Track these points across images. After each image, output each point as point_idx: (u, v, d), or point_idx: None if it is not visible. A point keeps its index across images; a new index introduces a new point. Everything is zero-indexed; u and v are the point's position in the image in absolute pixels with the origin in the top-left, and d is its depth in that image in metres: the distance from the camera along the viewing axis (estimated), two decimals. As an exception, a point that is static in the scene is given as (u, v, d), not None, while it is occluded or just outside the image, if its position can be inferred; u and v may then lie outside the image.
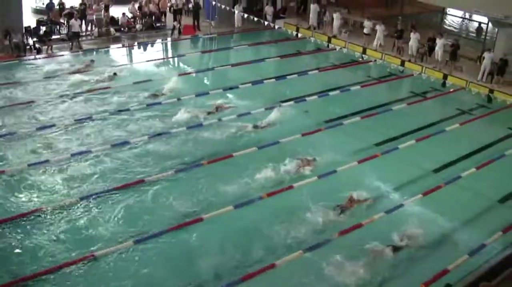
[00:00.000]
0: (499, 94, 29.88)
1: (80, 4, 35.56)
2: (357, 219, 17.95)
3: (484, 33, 38.97)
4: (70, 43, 33.27)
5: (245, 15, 38.09)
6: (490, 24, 34.45)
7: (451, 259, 16.33)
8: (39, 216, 17.21)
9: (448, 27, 42.21)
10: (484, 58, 31.52)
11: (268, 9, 40.90)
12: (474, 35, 40.77)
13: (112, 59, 32.83)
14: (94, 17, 35.43)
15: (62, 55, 32.12)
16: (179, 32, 37.78)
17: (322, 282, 15.24)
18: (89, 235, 16.61)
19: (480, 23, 40.04)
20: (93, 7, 35.55)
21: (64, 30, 34.72)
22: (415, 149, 23.54)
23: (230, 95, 27.87)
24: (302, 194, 19.03)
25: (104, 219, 17.28)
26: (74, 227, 16.89)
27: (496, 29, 33.37)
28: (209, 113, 25.38)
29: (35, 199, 18.11)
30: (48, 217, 17.20)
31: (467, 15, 42.88)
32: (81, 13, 34.91)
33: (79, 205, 17.84)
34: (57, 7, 36.44)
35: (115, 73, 29.17)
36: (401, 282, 15.79)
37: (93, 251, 15.68)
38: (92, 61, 30.87)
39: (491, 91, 30.35)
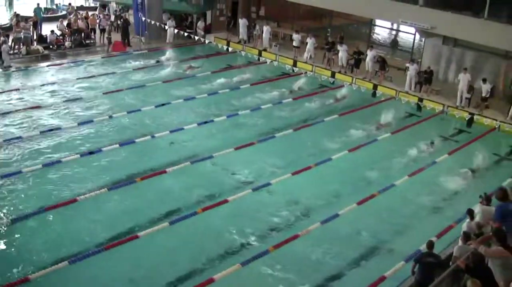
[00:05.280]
0: (428, 103, 30.45)
1: (12, 20, 34.76)
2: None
3: (398, 44, 40.65)
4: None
5: (176, 31, 37.86)
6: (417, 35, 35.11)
7: (388, 266, 16.52)
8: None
9: (377, 39, 42.99)
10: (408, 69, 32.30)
11: (200, 24, 40.87)
12: (403, 45, 41.41)
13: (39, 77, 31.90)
14: (22, 35, 34.60)
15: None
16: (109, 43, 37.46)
17: None
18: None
19: (395, 35, 41.15)
20: (21, 25, 34.66)
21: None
22: (348, 159, 23.77)
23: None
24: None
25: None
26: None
27: (423, 40, 34.06)
28: None
29: None
30: None
31: (395, 26, 43.64)
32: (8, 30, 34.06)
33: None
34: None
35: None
36: None
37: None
38: None
39: (420, 100, 30.96)
